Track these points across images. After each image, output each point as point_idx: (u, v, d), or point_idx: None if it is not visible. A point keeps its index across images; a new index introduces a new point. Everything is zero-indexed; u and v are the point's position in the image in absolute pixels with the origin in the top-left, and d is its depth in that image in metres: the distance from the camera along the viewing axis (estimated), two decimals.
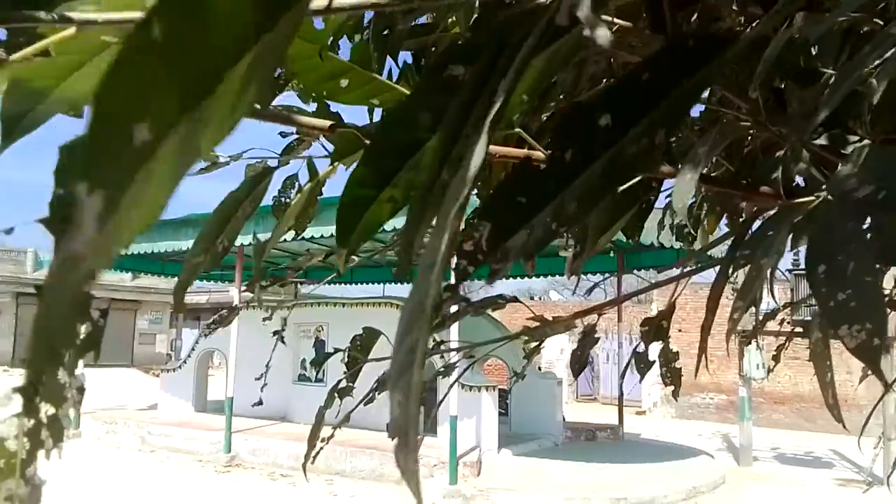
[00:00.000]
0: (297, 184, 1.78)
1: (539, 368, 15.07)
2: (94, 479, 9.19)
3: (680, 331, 18.82)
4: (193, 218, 10.95)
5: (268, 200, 2.11)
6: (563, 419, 12.17)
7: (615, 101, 0.48)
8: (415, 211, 0.41)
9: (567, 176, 0.49)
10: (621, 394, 13.18)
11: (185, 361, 13.82)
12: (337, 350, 1.29)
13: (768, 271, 0.78)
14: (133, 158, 0.21)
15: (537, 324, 1.11)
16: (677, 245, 9.03)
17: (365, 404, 1.12)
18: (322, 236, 9.53)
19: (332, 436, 1.20)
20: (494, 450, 9.74)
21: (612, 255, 11.80)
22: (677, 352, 1.31)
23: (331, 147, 1.65)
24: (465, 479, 8.52)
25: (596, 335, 1.22)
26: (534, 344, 1.19)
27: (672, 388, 1.30)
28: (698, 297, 18.56)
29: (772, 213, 0.90)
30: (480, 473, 8.76)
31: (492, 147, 0.79)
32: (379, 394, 1.08)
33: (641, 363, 1.22)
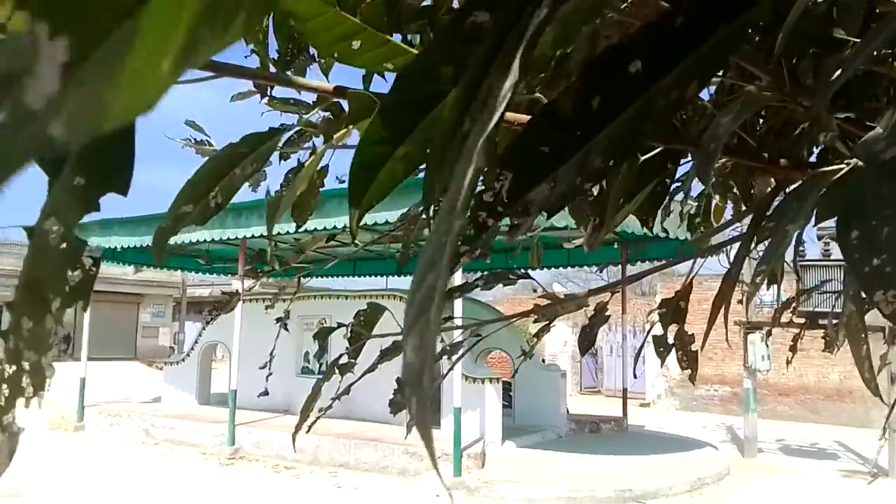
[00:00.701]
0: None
1: (543, 361, 15.07)
2: (99, 472, 9.20)
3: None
4: None
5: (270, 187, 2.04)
6: (567, 411, 12.16)
7: (648, 45, 0.45)
8: (435, 156, 0.38)
9: (593, 126, 0.45)
10: (625, 386, 13.18)
11: (188, 354, 13.84)
12: (340, 325, 1.25)
13: (793, 238, 0.75)
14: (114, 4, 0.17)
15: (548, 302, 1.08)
16: (682, 235, 9.00)
17: (363, 376, 1.08)
18: (325, 228, 9.51)
19: (318, 418, 1.16)
20: (498, 442, 9.73)
21: (615, 246, 11.75)
22: (693, 334, 1.27)
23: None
24: (469, 471, 8.51)
25: (607, 313, 1.19)
26: (542, 324, 1.16)
27: (689, 371, 1.26)
28: (702, 290, 18.48)
29: (794, 187, 0.87)
30: (484, 465, 8.75)
31: (508, 114, 0.75)
32: (380, 363, 1.04)
33: (661, 347, 1.19)
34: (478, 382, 9.69)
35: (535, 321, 1.06)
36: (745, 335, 10.95)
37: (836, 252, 10.40)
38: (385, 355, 1.14)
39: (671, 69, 0.47)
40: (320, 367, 12.13)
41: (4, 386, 0.42)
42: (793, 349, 2.14)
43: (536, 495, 7.85)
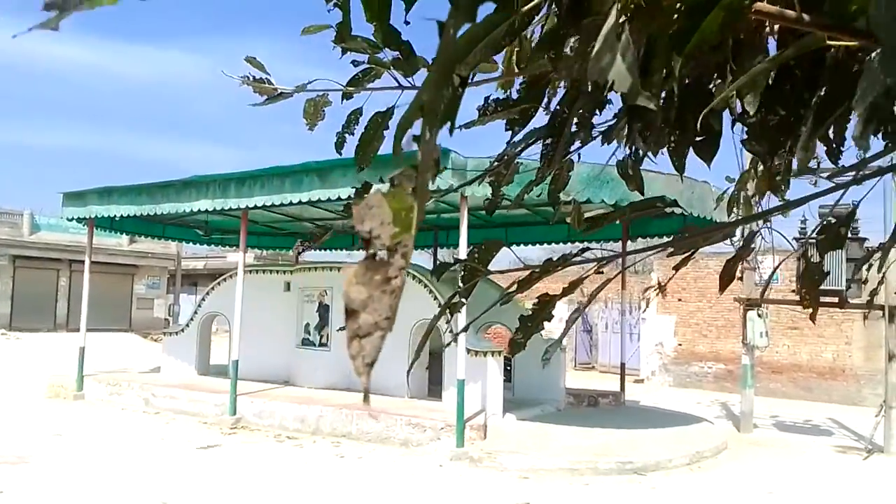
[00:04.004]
0: (360, 119, 1.73)
1: (540, 335, 15.11)
2: (102, 440, 9.23)
3: (680, 300, 18.91)
4: (196, 180, 10.85)
5: None
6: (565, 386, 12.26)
7: None
8: None
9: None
10: (623, 361, 13.29)
11: (187, 325, 13.83)
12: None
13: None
14: None
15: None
16: (688, 211, 9.00)
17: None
18: (329, 199, 9.46)
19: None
20: (499, 414, 9.81)
21: (616, 222, 11.76)
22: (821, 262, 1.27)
23: (400, 77, 1.60)
24: (472, 442, 8.59)
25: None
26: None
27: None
28: (698, 267, 18.60)
29: None
30: (486, 437, 8.83)
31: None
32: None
33: (816, 274, 1.18)
34: (480, 356, 9.74)
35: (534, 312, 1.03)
36: (744, 312, 11.03)
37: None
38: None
39: None
40: (321, 339, 12.16)
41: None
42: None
43: (539, 466, 7.94)
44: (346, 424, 9.64)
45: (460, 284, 1.15)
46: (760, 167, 2.10)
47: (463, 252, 9.06)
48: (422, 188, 0.43)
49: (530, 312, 0.97)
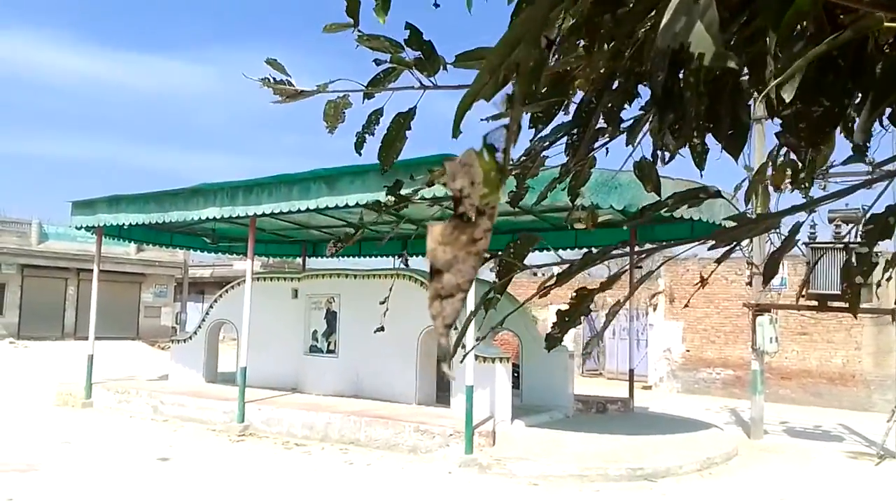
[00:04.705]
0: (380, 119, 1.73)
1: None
2: (111, 447, 9.23)
3: (687, 306, 18.84)
4: (205, 188, 10.88)
5: None
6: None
7: None
8: None
9: None
10: (632, 367, 13.25)
11: (195, 332, 13.84)
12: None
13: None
14: None
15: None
16: (696, 216, 8.98)
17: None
18: (336, 206, 9.46)
19: None
20: (508, 420, 9.78)
21: (624, 227, 11.73)
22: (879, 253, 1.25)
23: (421, 77, 1.60)
24: (481, 449, 8.56)
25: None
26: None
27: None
28: (706, 273, 18.50)
29: None
30: (495, 443, 8.79)
31: None
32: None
33: (864, 265, 1.17)
34: (488, 362, 9.72)
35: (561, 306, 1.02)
36: (753, 317, 10.97)
37: (847, 235, 10.40)
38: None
39: None
40: (328, 346, 12.16)
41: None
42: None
43: (548, 472, 7.90)
44: (354, 431, 9.62)
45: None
46: (780, 160, 2.09)
47: None
48: (508, 152, 0.42)
49: (567, 307, 0.97)
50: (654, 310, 19.25)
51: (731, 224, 0.99)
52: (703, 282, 2.53)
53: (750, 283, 11.28)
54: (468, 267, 0.42)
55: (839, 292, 9.51)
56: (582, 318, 0.96)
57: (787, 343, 15.59)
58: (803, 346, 16.68)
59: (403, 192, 1.85)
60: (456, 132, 0.74)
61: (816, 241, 9.55)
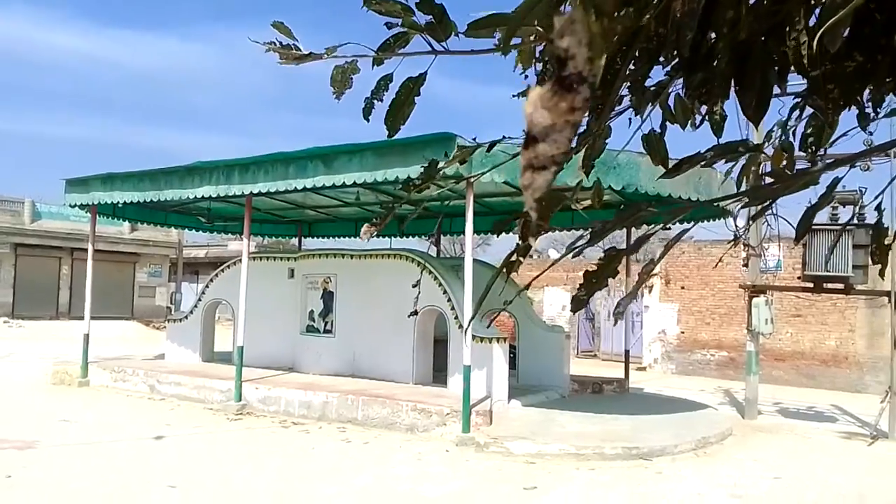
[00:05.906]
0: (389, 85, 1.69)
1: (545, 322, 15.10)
2: (109, 425, 9.24)
3: (683, 288, 18.90)
4: (200, 166, 10.79)
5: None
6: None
7: None
8: None
9: None
10: (627, 349, 13.31)
11: (191, 312, 13.82)
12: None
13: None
14: None
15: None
16: (694, 196, 8.97)
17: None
18: (333, 185, 9.41)
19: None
20: (504, 400, 9.81)
21: (621, 207, 11.72)
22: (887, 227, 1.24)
23: (433, 42, 1.57)
24: (478, 428, 8.60)
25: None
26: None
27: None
28: (701, 255, 18.59)
29: None
30: (492, 422, 8.83)
31: None
32: None
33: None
34: (485, 342, 9.73)
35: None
36: (749, 298, 11.01)
37: (843, 216, 10.41)
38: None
39: None
40: (325, 325, 12.16)
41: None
42: None
43: (545, 451, 7.95)
44: (351, 410, 9.65)
45: (463, 273, 1.12)
46: (780, 139, 2.07)
47: (469, 240, 9.01)
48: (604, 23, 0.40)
49: (595, 268, 0.95)
50: (650, 291, 19.31)
51: (769, 181, 0.97)
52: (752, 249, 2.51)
53: (746, 265, 11.30)
54: (564, 137, 0.40)
55: (835, 274, 9.54)
56: (609, 280, 0.95)
57: (781, 325, 15.66)
58: (797, 328, 16.77)
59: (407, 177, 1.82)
60: (507, 49, 0.71)
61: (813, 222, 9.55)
